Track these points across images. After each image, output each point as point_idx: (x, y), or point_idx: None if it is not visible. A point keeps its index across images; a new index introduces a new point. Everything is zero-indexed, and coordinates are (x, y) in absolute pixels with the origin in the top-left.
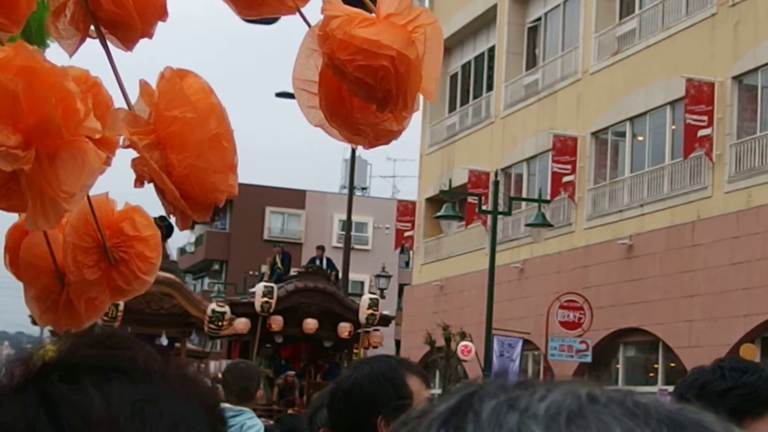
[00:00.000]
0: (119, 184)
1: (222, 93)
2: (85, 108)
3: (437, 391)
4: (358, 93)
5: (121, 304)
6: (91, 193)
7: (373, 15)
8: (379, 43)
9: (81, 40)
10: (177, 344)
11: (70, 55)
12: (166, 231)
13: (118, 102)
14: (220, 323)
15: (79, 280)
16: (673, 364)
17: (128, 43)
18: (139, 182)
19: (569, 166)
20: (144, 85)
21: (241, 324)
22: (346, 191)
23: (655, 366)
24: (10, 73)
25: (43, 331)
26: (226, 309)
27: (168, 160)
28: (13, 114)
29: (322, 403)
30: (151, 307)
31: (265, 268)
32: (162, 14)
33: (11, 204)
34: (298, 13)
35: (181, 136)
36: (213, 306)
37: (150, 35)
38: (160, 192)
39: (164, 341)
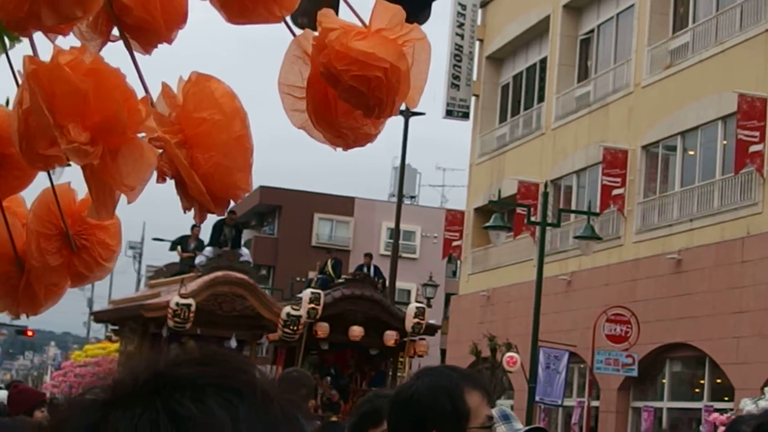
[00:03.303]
0: (81, 175)
1: (268, 100)
2: (145, 109)
3: None
4: (350, 100)
5: (193, 304)
6: (55, 182)
7: (364, 28)
8: (375, 55)
9: (103, 42)
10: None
11: None
12: (236, 233)
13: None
14: (295, 327)
15: (41, 266)
16: (719, 381)
17: (148, 48)
18: (161, 178)
19: (619, 179)
20: (165, 87)
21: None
22: (395, 199)
23: (701, 382)
24: (80, 74)
25: (89, 333)
26: (302, 312)
27: (194, 158)
28: (82, 112)
29: (363, 410)
30: (222, 309)
31: (312, 275)
32: (183, 21)
33: None
34: (283, 22)
35: (208, 137)
36: (288, 309)
37: (170, 41)
38: (182, 187)
39: (233, 344)
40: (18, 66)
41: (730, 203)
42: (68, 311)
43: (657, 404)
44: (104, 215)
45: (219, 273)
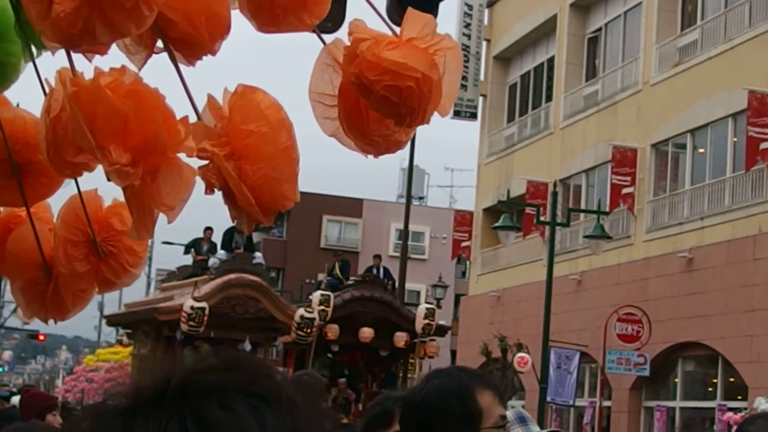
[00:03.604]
0: (107, 182)
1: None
2: (184, 129)
3: None
4: (382, 109)
5: (207, 307)
6: (82, 189)
7: (395, 37)
8: (407, 65)
9: (147, 55)
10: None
11: (138, 70)
12: (248, 237)
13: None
14: (308, 330)
15: (69, 273)
16: (732, 379)
17: (192, 60)
18: (209, 190)
19: (629, 178)
20: (211, 99)
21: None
22: (403, 200)
23: (714, 381)
24: (120, 96)
25: (101, 336)
26: (315, 315)
27: (242, 169)
28: (122, 134)
29: (373, 413)
30: (235, 311)
31: (322, 277)
32: (226, 32)
33: (0, 199)
34: (313, 31)
35: (256, 148)
36: (301, 312)
37: (214, 53)
38: (230, 198)
39: (248, 347)
40: (45, 74)
41: (741, 201)
42: (79, 315)
43: (670, 404)
44: (144, 234)
45: (232, 275)
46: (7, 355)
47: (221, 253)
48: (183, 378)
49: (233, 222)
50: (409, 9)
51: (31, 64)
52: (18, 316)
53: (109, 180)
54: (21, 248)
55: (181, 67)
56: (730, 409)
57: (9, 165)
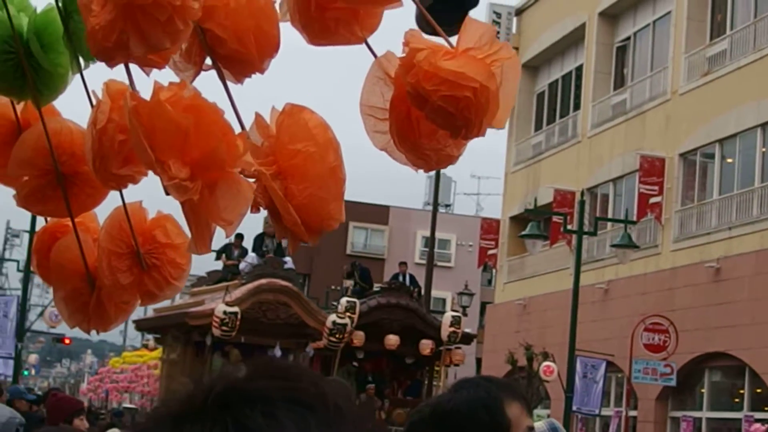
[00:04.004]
0: (151, 194)
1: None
2: (243, 144)
3: None
4: (438, 121)
5: (239, 312)
6: (126, 201)
7: (452, 47)
8: (465, 75)
9: (196, 72)
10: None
11: None
12: (278, 243)
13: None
14: (341, 336)
15: (112, 284)
16: (759, 390)
17: (240, 77)
18: (255, 208)
19: (656, 187)
20: (259, 117)
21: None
22: (429, 208)
23: (741, 392)
24: (179, 110)
25: (126, 340)
26: (347, 321)
27: (288, 189)
28: (182, 148)
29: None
30: (267, 317)
31: (348, 283)
32: (275, 50)
33: (45, 209)
34: (365, 44)
35: (303, 168)
36: (333, 317)
37: (263, 71)
38: (276, 217)
39: (278, 353)
40: (92, 86)
41: None
42: None
43: (696, 414)
44: (202, 249)
45: (263, 280)
46: (33, 358)
47: (251, 256)
48: (227, 385)
49: (279, 240)
50: (467, 18)
51: (78, 75)
52: (44, 319)
53: (167, 194)
54: (65, 258)
55: (229, 84)
56: (757, 420)
57: (55, 175)
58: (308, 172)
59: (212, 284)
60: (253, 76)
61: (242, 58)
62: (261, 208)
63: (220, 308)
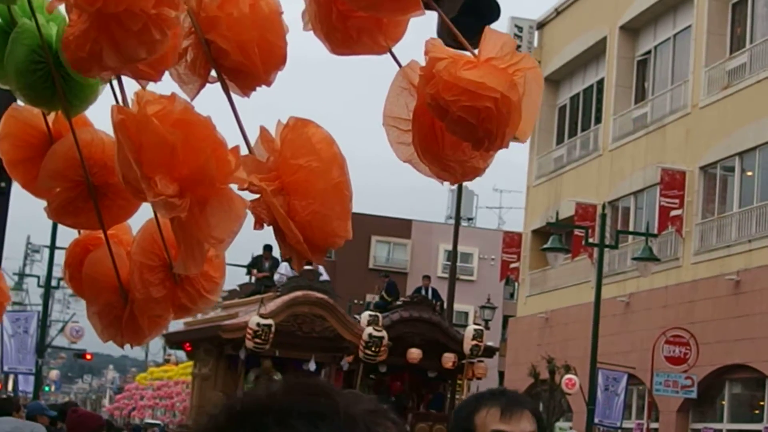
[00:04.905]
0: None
1: (320, 117)
2: (235, 159)
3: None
4: (458, 132)
5: (273, 324)
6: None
7: (473, 57)
8: (485, 85)
9: (201, 85)
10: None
11: (191, 100)
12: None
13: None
14: (377, 349)
15: (144, 298)
16: None
17: (247, 90)
18: (258, 225)
19: (677, 201)
20: (264, 131)
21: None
22: (452, 221)
23: (761, 403)
24: (168, 125)
25: (148, 356)
26: (384, 334)
27: (291, 205)
28: (169, 164)
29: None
30: (302, 330)
31: (370, 297)
32: (282, 63)
33: (77, 221)
34: (389, 53)
35: (306, 184)
36: (370, 330)
37: (269, 83)
38: (280, 235)
39: (312, 366)
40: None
41: None
42: None
43: (717, 426)
44: (192, 268)
45: (299, 293)
46: (54, 374)
47: (284, 266)
48: (247, 400)
49: (283, 259)
50: (487, 28)
51: (108, 86)
52: (65, 335)
53: (155, 211)
54: (97, 271)
55: (234, 97)
56: None
57: (86, 187)
58: (311, 188)
59: (245, 297)
60: (259, 88)
61: (246, 70)
62: (264, 225)
63: (254, 320)
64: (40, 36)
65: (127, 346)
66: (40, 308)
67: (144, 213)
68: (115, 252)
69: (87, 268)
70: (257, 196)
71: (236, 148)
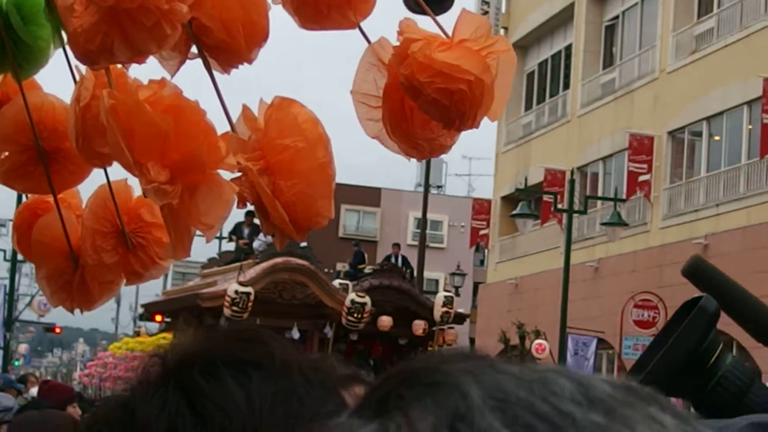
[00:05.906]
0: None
1: (302, 97)
2: (225, 145)
3: None
4: (431, 112)
5: (252, 292)
6: (111, 178)
7: (447, 38)
8: (460, 68)
9: (181, 61)
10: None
11: (171, 77)
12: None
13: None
14: (359, 315)
15: (96, 264)
16: (747, 364)
17: (227, 67)
18: (241, 203)
19: (645, 166)
20: (246, 110)
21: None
22: (421, 189)
23: None
24: (159, 111)
25: (118, 329)
26: (367, 300)
27: (276, 185)
28: (161, 150)
29: None
30: (282, 297)
31: (341, 266)
32: (264, 40)
33: (27, 185)
34: (357, 29)
35: (291, 164)
36: (352, 296)
37: (251, 61)
38: (263, 214)
39: (296, 334)
40: (75, 60)
41: (756, 188)
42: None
43: None
44: (181, 253)
45: (278, 259)
46: (23, 348)
47: None
48: (176, 352)
49: (265, 236)
50: (463, 9)
51: (60, 50)
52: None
53: (146, 197)
54: (47, 236)
55: (215, 74)
56: None
57: (36, 151)
58: (297, 168)
59: (224, 265)
60: (240, 66)
61: (229, 48)
62: (247, 204)
63: (232, 288)
64: None
65: (94, 318)
66: (6, 282)
67: (93, 179)
68: (65, 216)
69: (36, 233)
70: (238, 175)
71: (226, 134)
